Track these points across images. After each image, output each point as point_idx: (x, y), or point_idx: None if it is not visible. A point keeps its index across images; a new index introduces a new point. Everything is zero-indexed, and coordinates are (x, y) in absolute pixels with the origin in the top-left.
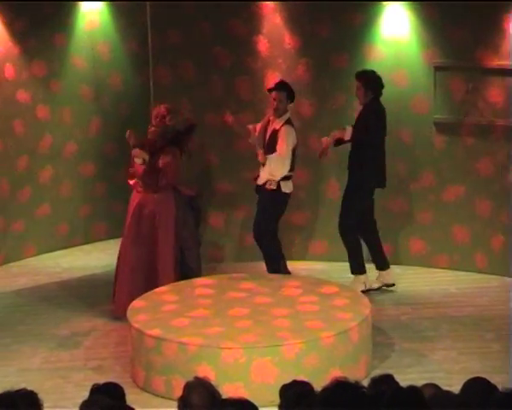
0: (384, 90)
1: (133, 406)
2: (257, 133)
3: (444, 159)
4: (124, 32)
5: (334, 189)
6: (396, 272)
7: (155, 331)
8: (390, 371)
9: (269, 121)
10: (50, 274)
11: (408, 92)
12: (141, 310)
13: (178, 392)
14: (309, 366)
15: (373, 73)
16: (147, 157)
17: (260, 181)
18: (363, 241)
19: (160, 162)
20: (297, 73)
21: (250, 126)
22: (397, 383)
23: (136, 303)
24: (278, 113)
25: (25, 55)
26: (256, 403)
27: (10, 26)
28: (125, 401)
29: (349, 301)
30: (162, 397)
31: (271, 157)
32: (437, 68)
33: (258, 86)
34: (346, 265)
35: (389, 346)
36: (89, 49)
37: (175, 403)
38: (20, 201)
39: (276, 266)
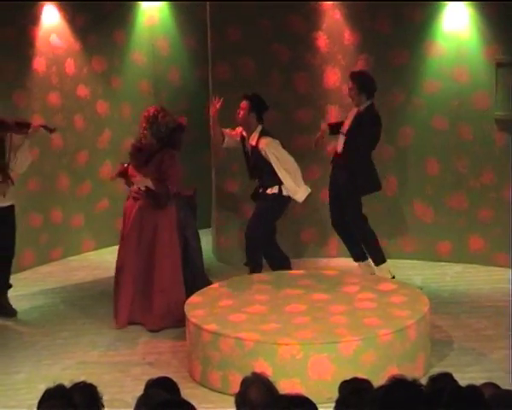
0: (444, 86)
1: (190, 400)
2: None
3: (504, 156)
4: (183, 28)
5: (392, 185)
6: (456, 270)
7: (212, 326)
8: (449, 370)
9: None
10: (109, 268)
11: (468, 88)
12: (198, 305)
13: (235, 387)
14: (366, 364)
15: (368, 75)
16: (150, 183)
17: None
18: (339, 235)
19: (168, 176)
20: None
21: (226, 130)
22: (456, 382)
23: (194, 299)
24: (243, 123)
25: (85, 51)
26: (313, 400)
27: (72, 23)
28: (179, 396)
29: (407, 298)
30: (219, 392)
31: (286, 182)
32: (499, 65)
33: (316, 82)
34: (404, 262)
35: (448, 344)
36: (148, 45)
37: (231, 398)
38: (80, 195)
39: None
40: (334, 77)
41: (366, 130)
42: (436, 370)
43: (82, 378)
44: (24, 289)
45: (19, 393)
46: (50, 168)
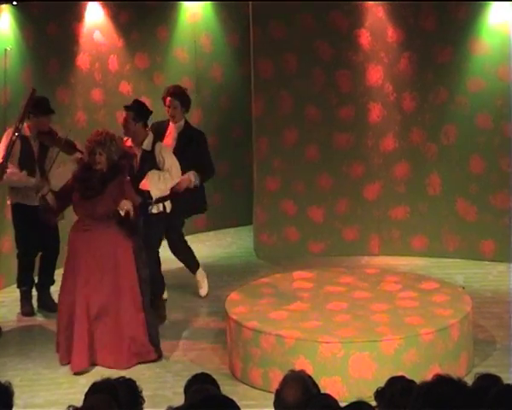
0: (488, 84)
1: (231, 397)
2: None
3: None
4: (226, 25)
5: (436, 184)
6: (499, 270)
7: (253, 324)
8: (491, 370)
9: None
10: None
11: None
12: (239, 302)
13: (276, 384)
14: (408, 363)
15: (186, 90)
16: (130, 207)
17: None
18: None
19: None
20: (399, 67)
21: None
22: (502, 382)
23: (234, 296)
24: (129, 135)
25: (128, 48)
26: (353, 398)
27: (115, 20)
28: (220, 392)
29: (449, 297)
30: (259, 389)
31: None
32: None
33: (359, 80)
34: (447, 261)
35: (491, 344)
36: (191, 42)
37: (272, 395)
38: None
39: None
40: (377, 75)
41: (202, 147)
42: (479, 370)
43: (123, 374)
44: None
45: (61, 387)
46: None
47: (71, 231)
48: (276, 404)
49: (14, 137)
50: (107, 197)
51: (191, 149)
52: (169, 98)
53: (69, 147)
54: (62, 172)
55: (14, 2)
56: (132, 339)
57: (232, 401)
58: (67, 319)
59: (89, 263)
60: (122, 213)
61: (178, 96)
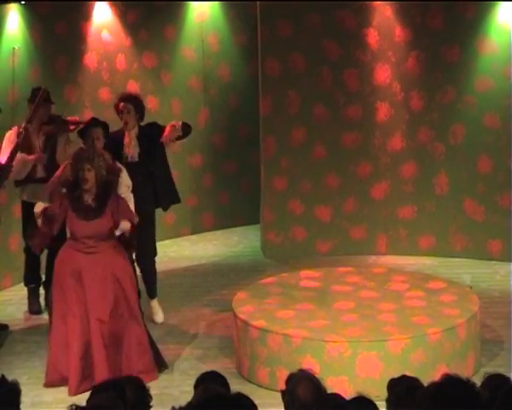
0: (497, 84)
1: None
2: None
3: None
4: (233, 24)
5: (443, 183)
6: (507, 269)
7: (260, 323)
8: (499, 370)
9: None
10: (157, 263)
11: None
12: (246, 301)
13: (282, 383)
14: (415, 362)
15: (139, 96)
16: (128, 226)
17: None
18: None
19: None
20: (407, 66)
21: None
22: (511, 382)
23: (241, 295)
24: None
25: (136, 47)
26: None
27: (122, 18)
28: (229, 391)
29: (457, 297)
30: (266, 388)
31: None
32: None
33: (366, 79)
34: (454, 260)
35: (498, 344)
36: (198, 41)
37: (279, 394)
38: None
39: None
40: (385, 74)
41: (162, 152)
42: (486, 370)
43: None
44: None
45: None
46: None
47: (66, 251)
48: (287, 402)
49: (20, 139)
50: (107, 217)
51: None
52: (122, 104)
53: (67, 124)
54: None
55: (23, 2)
56: (141, 360)
57: (246, 399)
58: (82, 347)
59: (97, 287)
60: (117, 232)
61: (132, 100)
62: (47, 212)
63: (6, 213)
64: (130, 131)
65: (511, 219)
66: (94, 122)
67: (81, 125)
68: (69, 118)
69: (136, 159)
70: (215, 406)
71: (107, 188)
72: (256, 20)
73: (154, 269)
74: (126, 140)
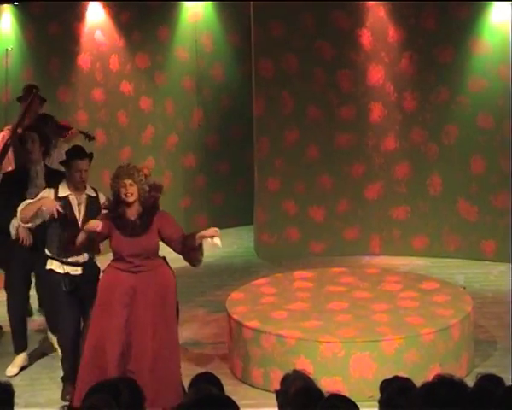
0: (490, 85)
1: (231, 397)
2: None
3: None
4: (227, 25)
5: (436, 184)
6: (500, 270)
7: (254, 323)
8: (492, 371)
9: None
10: None
11: None
12: (240, 302)
13: (276, 384)
14: (408, 362)
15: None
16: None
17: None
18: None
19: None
20: (400, 67)
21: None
22: (504, 383)
23: (235, 295)
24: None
25: (129, 48)
26: (354, 398)
27: (116, 19)
28: (223, 392)
29: (450, 297)
30: (260, 389)
31: None
32: None
33: (360, 80)
34: (448, 261)
35: (491, 345)
36: (192, 42)
37: (273, 395)
38: None
39: None
40: (378, 74)
41: None
42: (480, 370)
43: None
44: None
45: (61, 386)
46: (94, 164)
47: (112, 273)
48: (281, 403)
49: (9, 141)
50: (154, 233)
51: None
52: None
53: (61, 128)
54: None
55: (16, 3)
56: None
57: (231, 401)
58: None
59: (150, 309)
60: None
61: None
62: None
63: None
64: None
65: (504, 220)
66: (84, 154)
67: (71, 132)
68: (61, 122)
69: None
70: (206, 405)
71: (152, 204)
72: (249, 21)
73: None
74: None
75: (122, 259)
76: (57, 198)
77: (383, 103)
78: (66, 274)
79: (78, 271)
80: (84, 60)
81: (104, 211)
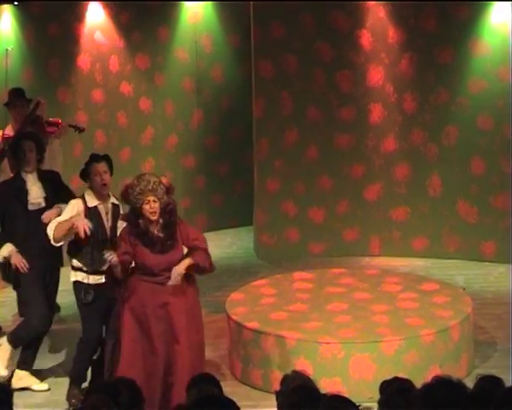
0: (489, 85)
1: (231, 397)
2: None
3: None
4: (226, 26)
5: (436, 185)
6: (500, 271)
7: (253, 324)
8: (492, 372)
9: None
10: None
11: None
12: (239, 303)
13: (276, 385)
14: (408, 364)
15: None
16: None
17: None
18: None
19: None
20: (400, 68)
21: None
22: (503, 384)
23: (235, 296)
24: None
25: (129, 49)
26: (354, 399)
27: (116, 20)
28: (222, 393)
29: (450, 298)
30: (260, 390)
31: None
32: None
33: (359, 80)
34: (447, 262)
35: (491, 346)
36: (192, 43)
37: (272, 396)
38: None
39: None
40: (378, 75)
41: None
42: (479, 371)
43: None
44: None
45: (60, 387)
46: None
47: (139, 285)
48: (281, 404)
49: (5, 146)
50: (180, 246)
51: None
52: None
53: (50, 124)
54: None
55: (16, 3)
56: None
57: (231, 402)
58: (163, 383)
59: (183, 318)
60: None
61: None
62: (123, 260)
63: None
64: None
65: (504, 221)
66: (98, 156)
67: (60, 126)
68: (48, 119)
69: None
70: (209, 406)
71: (170, 214)
72: (249, 22)
73: None
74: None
75: (152, 273)
76: (86, 209)
77: (383, 104)
78: (90, 284)
79: (101, 279)
80: (83, 60)
81: (122, 223)
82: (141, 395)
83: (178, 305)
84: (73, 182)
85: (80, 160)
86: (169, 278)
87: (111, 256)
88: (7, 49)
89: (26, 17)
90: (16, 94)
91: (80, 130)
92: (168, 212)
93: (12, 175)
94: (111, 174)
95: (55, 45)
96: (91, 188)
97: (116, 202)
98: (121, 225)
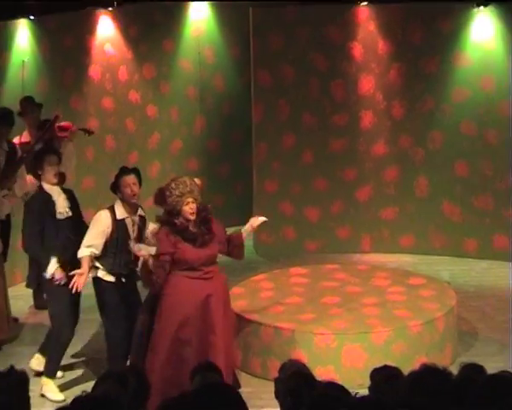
0: (472, 94)
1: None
2: None
3: None
4: (227, 38)
5: (423, 186)
6: (482, 266)
7: (253, 316)
8: (474, 360)
9: None
10: None
11: (494, 97)
12: (240, 296)
13: (274, 373)
14: (396, 353)
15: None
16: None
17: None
18: None
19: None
20: (389, 77)
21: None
22: (485, 371)
23: (236, 290)
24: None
25: (137, 59)
26: (346, 385)
27: (125, 33)
28: (223, 380)
29: (435, 292)
30: (259, 377)
31: None
32: None
33: (352, 89)
34: (433, 258)
35: (473, 335)
36: (195, 54)
37: (271, 383)
38: None
39: None
40: (369, 84)
41: None
42: (463, 359)
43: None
44: None
45: (75, 373)
46: (104, 167)
47: (184, 281)
48: (279, 390)
49: (24, 155)
50: (216, 240)
51: None
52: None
53: (62, 130)
54: (68, 156)
55: (31, 17)
56: None
57: (233, 388)
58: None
59: (219, 314)
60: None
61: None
62: (163, 260)
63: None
64: None
65: (485, 220)
66: (128, 169)
67: (72, 130)
68: (62, 124)
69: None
70: (212, 393)
71: (206, 212)
72: (249, 35)
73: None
74: None
75: (193, 268)
76: (114, 220)
77: (373, 111)
78: (113, 283)
79: (123, 279)
80: (94, 71)
81: (152, 224)
82: (148, 383)
83: (218, 298)
84: (85, 183)
85: (92, 163)
86: (208, 272)
87: (136, 247)
88: (23, 61)
89: (42, 31)
90: (26, 102)
91: (90, 133)
92: (204, 209)
93: (37, 189)
94: (140, 186)
95: (68, 57)
96: (122, 200)
97: (143, 213)
98: (151, 226)
